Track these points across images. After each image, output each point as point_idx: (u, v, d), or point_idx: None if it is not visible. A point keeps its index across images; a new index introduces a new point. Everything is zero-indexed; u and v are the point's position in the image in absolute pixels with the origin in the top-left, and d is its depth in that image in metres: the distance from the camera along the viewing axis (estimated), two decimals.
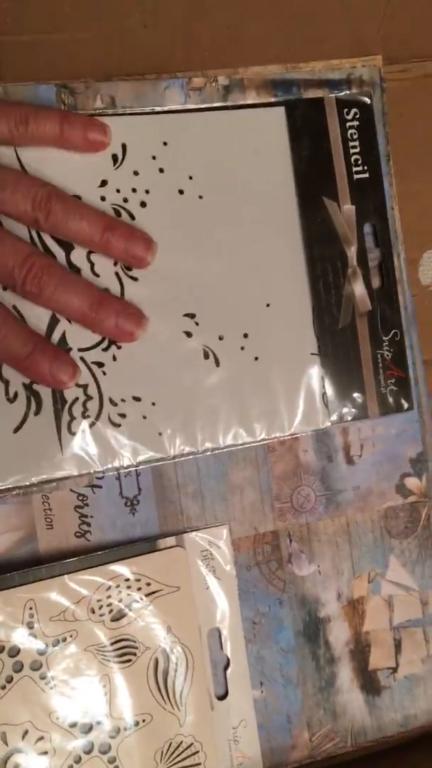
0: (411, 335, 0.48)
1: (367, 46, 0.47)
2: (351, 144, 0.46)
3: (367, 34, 0.47)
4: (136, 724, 0.41)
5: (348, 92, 0.46)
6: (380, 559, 0.48)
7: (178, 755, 0.42)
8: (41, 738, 0.39)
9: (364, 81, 0.47)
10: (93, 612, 0.41)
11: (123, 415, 0.43)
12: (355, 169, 0.46)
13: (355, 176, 0.46)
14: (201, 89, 0.45)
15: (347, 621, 0.47)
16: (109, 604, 0.41)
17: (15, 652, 0.39)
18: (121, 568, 0.42)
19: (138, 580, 0.42)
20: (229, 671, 0.44)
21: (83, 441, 0.43)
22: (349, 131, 0.46)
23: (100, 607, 0.41)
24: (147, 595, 0.42)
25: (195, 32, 0.45)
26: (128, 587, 0.42)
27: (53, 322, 0.42)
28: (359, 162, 0.47)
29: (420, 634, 0.49)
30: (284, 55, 0.46)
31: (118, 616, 0.41)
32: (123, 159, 0.43)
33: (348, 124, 0.46)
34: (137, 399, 0.44)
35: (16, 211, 0.41)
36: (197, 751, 0.42)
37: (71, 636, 0.40)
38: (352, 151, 0.46)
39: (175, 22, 0.44)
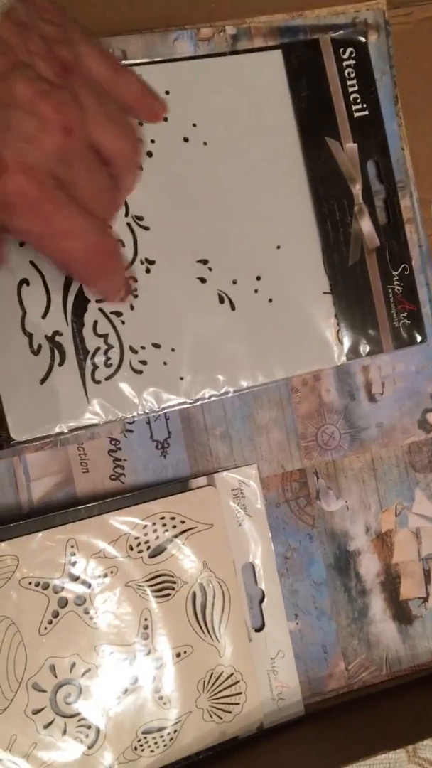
0: (427, 274, 0.53)
1: None
2: (349, 83, 0.51)
3: None
4: (178, 655, 0.47)
5: (342, 32, 0.51)
6: (406, 493, 0.54)
7: (219, 685, 0.47)
8: (88, 670, 0.45)
9: (368, 24, 0.51)
10: (131, 549, 0.46)
11: (144, 362, 0.49)
12: (354, 107, 0.51)
13: (355, 114, 0.51)
14: (209, 40, 0.49)
15: (377, 553, 0.53)
16: (146, 542, 0.47)
17: (59, 588, 0.45)
18: (156, 507, 0.47)
19: (173, 518, 0.47)
20: (264, 604, 0.50)
21: (107, 389, 0.48)
22: (347, 70, 0.51)
23: (138, 545, 0.46)
24: (182, 533, 0.47)
25: None
26: (163, 525, 0.47)
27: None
28: (358, 100, 0.51)
29: None
30: (291, 4, 0.50)
31: (155, 553, 0.47)
32: None
33: (345, 63, 0.51)
34: (157, 346, 0.49)
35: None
36: (238, 681, 0.48)
37: (112, 572, 0.46)
38: (350, 89, 0.51)
39: None
